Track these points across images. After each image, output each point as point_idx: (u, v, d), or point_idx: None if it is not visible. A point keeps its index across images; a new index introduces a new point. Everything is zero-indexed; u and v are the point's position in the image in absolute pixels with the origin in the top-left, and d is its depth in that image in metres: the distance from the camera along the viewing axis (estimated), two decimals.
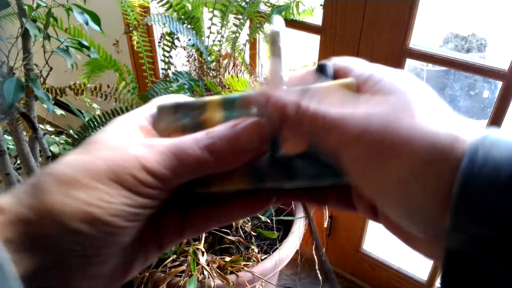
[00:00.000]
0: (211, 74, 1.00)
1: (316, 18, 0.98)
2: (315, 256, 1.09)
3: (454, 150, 0.17)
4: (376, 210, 0.23)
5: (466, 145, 0.17)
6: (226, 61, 1.02)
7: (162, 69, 1.02)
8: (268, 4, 1.01)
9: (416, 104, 0.19)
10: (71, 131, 0.90)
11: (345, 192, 0.24)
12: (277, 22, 0.24)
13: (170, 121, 0.22)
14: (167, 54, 0.98)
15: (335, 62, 0.24)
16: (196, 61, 1.04)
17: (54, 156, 1.17)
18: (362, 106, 0.20)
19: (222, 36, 0.97)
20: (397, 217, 0.19)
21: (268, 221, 0.99)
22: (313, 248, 1.07)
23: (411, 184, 0.18)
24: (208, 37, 0.97)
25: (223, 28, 0.95)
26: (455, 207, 0.16)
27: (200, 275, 0.81)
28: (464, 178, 0.16)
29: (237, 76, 0.83)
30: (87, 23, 0.73)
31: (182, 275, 0.80)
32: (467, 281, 0.16)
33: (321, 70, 0.23)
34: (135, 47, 0.97)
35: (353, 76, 0.22)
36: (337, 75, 0.23)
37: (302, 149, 0.22)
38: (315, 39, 0.99)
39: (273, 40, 0.23)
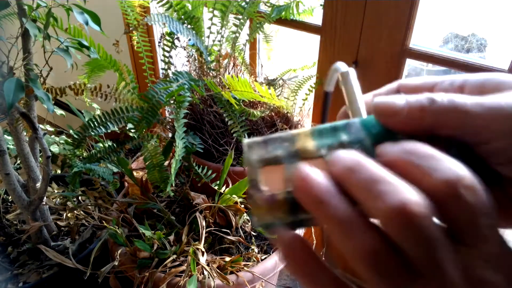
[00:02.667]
0: (211, 74, 1.00)
1: (316, 18, 0.98)
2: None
3: None
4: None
5: None
6: (226, 61, 1.02)
7: (162, 69, 1.02)
8: (268, 4, 1.01)
9: None
10: (71, 131, 0.90)
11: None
12: (341, 65, 0.25)
13: (263, 153, 0.22)
14: (167, 54, 0.98)
15: (406, 83, 0.25)
16: (196, 61, 1.04)
17: (54, 156, 1.17)
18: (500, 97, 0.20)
19: (222, 36, 0.97)
20: None
21: None
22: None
23: None
24: (208, 37, 0.97)
25: (223, 28, 0.95)
26: None
27: (200, 275, 0.81)
28: None
29: (237, 76, 0.83)
30: (87, 23, 0.73)
31: (182, 275, 0.80)
32: None
33: None
34: (135, 47, 0.97)
35: (441, 87, 0.23)
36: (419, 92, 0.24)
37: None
38: (315, 39, 0.99)
39: (345, 80, 0.24)
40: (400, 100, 0.21)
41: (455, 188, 0.16)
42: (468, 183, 0.17)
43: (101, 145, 1.06)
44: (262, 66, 1.20)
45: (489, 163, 0.21)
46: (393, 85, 0.25)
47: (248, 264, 0.88)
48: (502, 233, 0.18)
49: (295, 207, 0.21)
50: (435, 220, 0.17)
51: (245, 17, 0.95)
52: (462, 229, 0.17)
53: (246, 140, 0.23)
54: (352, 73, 0.25)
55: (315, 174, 0.19)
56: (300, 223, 0.22)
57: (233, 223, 0.92)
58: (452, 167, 0.17)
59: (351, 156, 0.19)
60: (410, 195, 0.17)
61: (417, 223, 0.16)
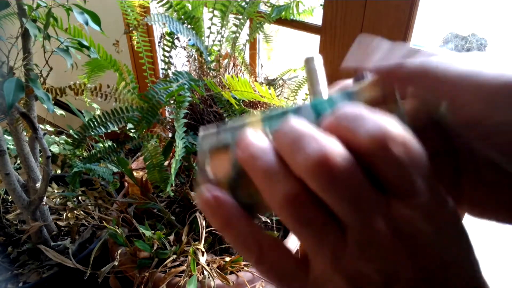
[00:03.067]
0: (211, 74, 1.00)
1: (316, 18, 0.98)
2: None
3: None
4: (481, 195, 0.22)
5: None
6: (226, 61, 1.02)
7: (162, 69, 1.02)
8: (268, 4, 1.01)
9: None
10: (71, 131, 0.90)
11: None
12: (311, 54, 0.26)
13: (214, 142, 0.23)
14: (167, 54, 0.98)
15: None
16: (196, 61, 1.04)
17: (54, 156, 1.17)
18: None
19: (222, 36, 0.97)
20: None
21: (268, 221, 0.99)
22: None
23: None
24: (208, 37, 0.97)
25: (223, 28, 0.95)
26: None
27: (200, 275, 0.81)
28: None
29: (237, 76, 0.83)
30: (87, 23, 0.73)
31: (182, 275, 0.80)
32: None
33: (359, 78, 0.24)
34: (135, 47, 0.97)
35: (408, 68, 0.22)
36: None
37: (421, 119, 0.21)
38: (315, 39, 0.99)
39: (308, 65, 0.25)
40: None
41: (381, 142, 0.16)
42: (396, 137, 0.17)
43: (101, 145, 1.06)
44: (262, 66, 1.20)
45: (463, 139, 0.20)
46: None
47: (248, 264, 0.88)
48: (438, 186, 0.18)
49: (237, 190, 0.22)
50: (360, 173, 0.17)
51: (245, 17, 0.95)
52: (392, 183, 0.17)
53: (201, 132, 0.24)
54: (316, 59, 0.25)
55: (254, 135, 0.20)
56: (244, 208, 0.23)
57: None
58: (379, 123, 0.17)
59: (287, 124, 0.19)
60: (332, 148, 0.17)
61: (337, 174, 0.16)
